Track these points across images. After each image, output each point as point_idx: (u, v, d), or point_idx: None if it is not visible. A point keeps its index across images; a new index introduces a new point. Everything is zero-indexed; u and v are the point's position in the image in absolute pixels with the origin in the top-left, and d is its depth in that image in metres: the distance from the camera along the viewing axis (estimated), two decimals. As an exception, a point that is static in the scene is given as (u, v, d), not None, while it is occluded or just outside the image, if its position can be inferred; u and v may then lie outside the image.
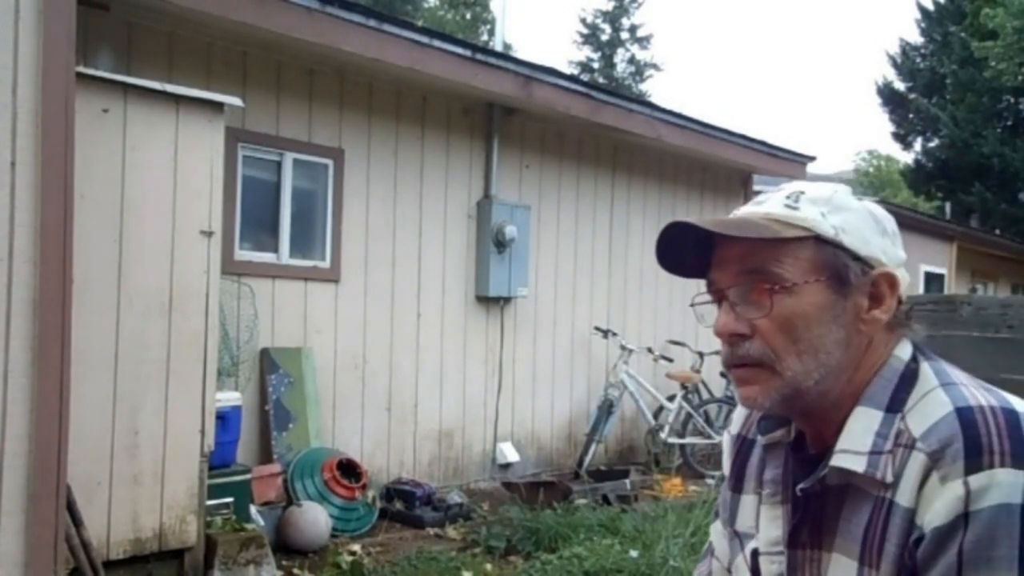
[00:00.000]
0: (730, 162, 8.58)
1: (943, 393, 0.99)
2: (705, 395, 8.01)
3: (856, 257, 1.03)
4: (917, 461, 0.95)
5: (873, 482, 0.98)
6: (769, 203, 1.07)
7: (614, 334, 7.50)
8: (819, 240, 1.02)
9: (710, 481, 6.73)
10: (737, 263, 1.05)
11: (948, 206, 20.93)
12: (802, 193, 1.06)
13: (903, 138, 24.05)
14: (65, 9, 2.99)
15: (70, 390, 3.08)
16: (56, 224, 2.97)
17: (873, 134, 74.10)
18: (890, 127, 24.22)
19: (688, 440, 7.44)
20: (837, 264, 1.02)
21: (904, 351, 1.06)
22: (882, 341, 1.06)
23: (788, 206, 1.05)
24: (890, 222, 1.08)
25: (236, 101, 4.24)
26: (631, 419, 7.78)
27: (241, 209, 5.44)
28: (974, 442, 0.91)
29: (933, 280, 13.36)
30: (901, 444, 0.98)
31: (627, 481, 6.31)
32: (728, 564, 1.25)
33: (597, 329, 7.53)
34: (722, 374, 8.16)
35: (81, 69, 3.53)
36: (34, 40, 2.90)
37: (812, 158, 9.23)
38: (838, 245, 1.03)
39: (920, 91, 23.00)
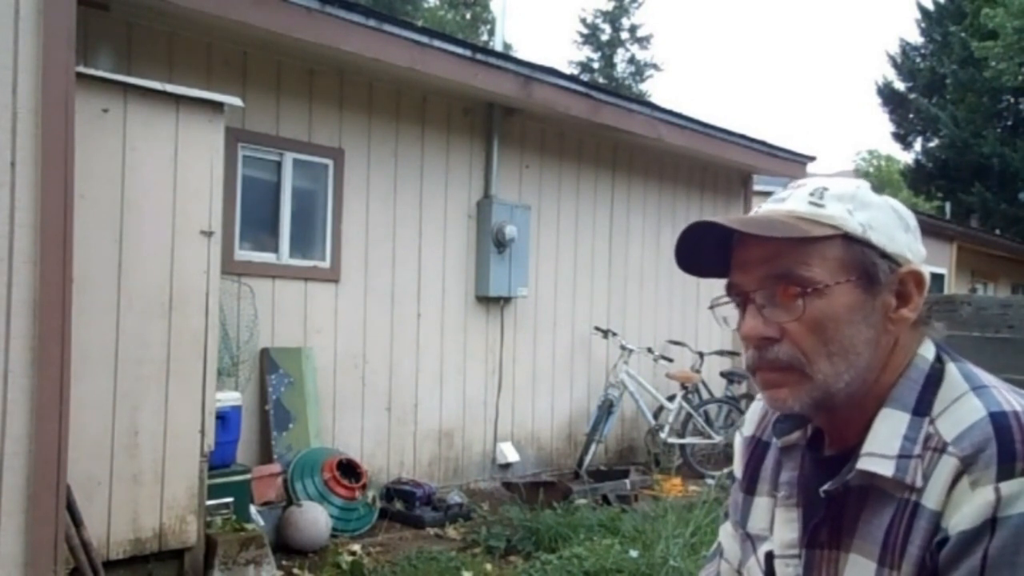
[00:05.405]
0: (730, 162, 8.57)
1: (975, 397, 0.97)
2: (705, 395, 8.00)
3: (884, 255, 1.01)
4: (948, 465, 0.93)
5: (898, 484, 0.97)
6: (792, 200, 1.04)
7: (614, 334, 7.50)
8: (847, 238, 1.00)
9: (710, 481, 6.72)
10: (763, 264, 1.02)
11: (948, 206, 20.93)
12: (826, 189, 1.04)
13: (903, 138, 24.10)
14: (65, 9, 2.99)
15: (70, 390, 3.08)
16: (56, 224, 2.98)
17: (873, 134, 74.17)
18: (890, 127, 24.31)
19: (688, 440, 7.44)
20: (866, 263, 1.01)
21: (928, 351, 1.04)
22: (907, 340, 1.04)
23: (813, 203, 1.02)
24: (911, 218, 1.07)
25: (236, 101, 4.24)
26: (631, 419, 7.78)
27: (241, 209, 5.44)
28: (1008, 448, 0.91)
29: (933, 280, 13.10)
30: (931, 447, 0.96)
31: (627, 481, 6.31)
32: (738, 566, 1.23)
33: (597, 329, 7.53)
34: (722, 374, 8.18)
35: (81, 69, 3.53)
36: (34, 40, 2.90)
37: (812, 158, 9.22)
38: (866, 243, 1.01)
39: (920, 91, 23.03)
